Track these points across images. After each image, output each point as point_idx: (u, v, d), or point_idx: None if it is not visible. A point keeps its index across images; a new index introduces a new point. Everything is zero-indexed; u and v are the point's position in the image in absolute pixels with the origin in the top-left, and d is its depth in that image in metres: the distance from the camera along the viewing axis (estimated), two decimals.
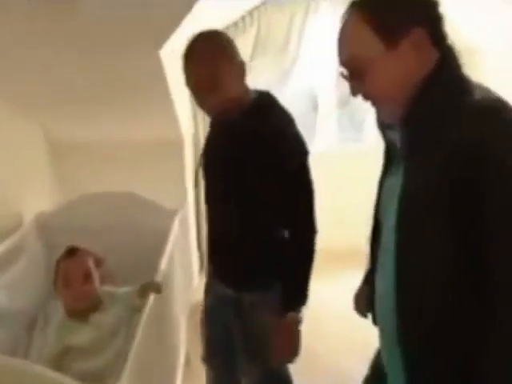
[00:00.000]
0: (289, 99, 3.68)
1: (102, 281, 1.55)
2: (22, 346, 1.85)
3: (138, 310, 1.48)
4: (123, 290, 1.60)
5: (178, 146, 2.82)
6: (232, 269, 1.49)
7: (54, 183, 2.80)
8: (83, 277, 1.46)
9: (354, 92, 0.95)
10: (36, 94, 2.24)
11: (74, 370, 1.41)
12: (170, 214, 2.36)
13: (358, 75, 0.92)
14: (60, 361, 1.41)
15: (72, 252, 1.53)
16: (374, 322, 1.14)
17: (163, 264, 1.85)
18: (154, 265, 1.86)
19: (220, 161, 1.45)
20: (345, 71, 0.95)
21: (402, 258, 0.91)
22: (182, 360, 2.33)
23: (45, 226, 2.38)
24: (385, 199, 1.05)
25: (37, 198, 2.60)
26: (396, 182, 0.95)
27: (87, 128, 2.67)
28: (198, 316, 1.67)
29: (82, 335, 1.43)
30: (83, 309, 1.46)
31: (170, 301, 1.94)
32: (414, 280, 0.90)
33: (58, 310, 1.50)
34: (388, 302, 0.96)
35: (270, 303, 1.45)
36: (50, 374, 0.89)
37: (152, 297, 1.51)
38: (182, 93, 2.39)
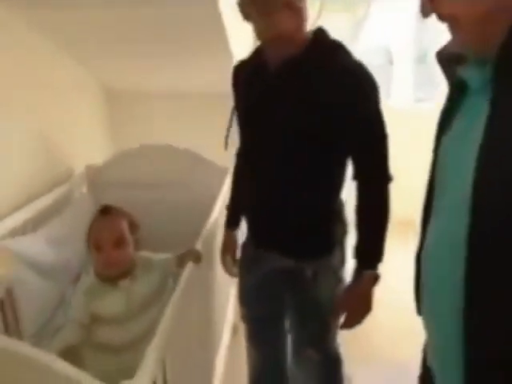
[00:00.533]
0: (363, 53, 3.47)
1: (137, 248, 1.41)
2: (68, 299, 1.82)
3: (175, 278, 1.35)
4: (160, 256, 1.46)
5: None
6: (293, 238, 1.33)
7: (106, 133, 2.74)
8: (115, 240, 1.31)
9: (425, 11, 0.73)
10: (91, 42, 2.13)
11: (101, 338, 1.33)
12: (222, 172, 2.22)
13: None
14: (87, 326, 1.31)
15: (105, 211, 1.38)
16: (418, 311, 0.92)
17: (208, 226, 1.71)
18: (200, 226, 1.72)
19: (275, 106, 1.25)
20: None
21: (479, 226, 0.66)
22: (228, 330, 2.24)
23: (94, 179, 2.32)
24: (449, 156, 0.80)
25: (89, 149, 2.54)
26: (468, 131, 0.70)
27: (141, 78, 2.56)
28: None
29: (110, 302, 1.31)
30: (113, 275, 1.34)
31: (213, 268, 1.81)
32: (499, 262, 0.65)
33: (89, 272, 1.39)
34: (447, 284, 0.72)
35: (331, 270, 1.35)
36: (58, 365, 0.80)
37: (191, 265, 1.38)
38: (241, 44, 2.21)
